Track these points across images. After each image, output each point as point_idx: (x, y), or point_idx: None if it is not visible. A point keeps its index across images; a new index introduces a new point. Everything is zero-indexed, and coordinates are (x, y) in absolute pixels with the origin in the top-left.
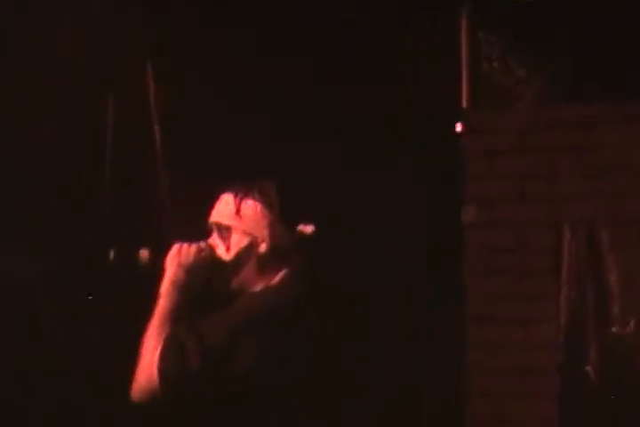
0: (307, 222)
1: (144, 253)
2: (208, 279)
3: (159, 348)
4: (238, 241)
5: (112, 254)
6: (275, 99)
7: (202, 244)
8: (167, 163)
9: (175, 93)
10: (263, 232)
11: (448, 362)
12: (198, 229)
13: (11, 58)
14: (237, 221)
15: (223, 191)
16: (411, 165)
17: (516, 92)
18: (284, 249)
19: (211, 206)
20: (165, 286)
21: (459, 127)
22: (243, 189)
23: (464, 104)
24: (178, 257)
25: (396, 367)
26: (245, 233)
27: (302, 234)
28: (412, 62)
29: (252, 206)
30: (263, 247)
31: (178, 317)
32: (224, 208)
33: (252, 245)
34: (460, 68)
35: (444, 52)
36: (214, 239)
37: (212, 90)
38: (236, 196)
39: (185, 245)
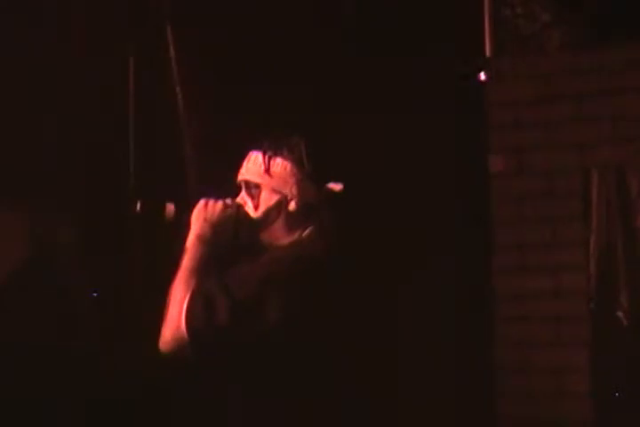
0: (336, 180)
1: (170, 207)
2: (235, 236)
3: (186, 301)
4: (267, 199)
5: (138, 206)
6: (299, 57)
7: (228, 201)
8: (193, 121)
9: (198, 54)
10: (292, 190)
11: (475, 312)
12: (227, 186)
13: (26, 20)
14: (266, 178)
15: (252, 149)
16: (434, 115)
17: (540, 38)
18: (312, 207)
19: (239, 164)
20: (191, 241)
21: (482, 75)
22: (272, 146)
23: (487, 52)
24: (204, 212)
25: (421, 318)
26: (274, 191)
27: (331, 192)
28: (433, 10)
29: (281, 164)
30: (292, 205)
31: (204, 271)
32: (253, 166)
33: (281, 203)
34: (482, 15)
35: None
36: (242, 197)
37: (236, 47)
38: (264, 153)
39: (211, 202)
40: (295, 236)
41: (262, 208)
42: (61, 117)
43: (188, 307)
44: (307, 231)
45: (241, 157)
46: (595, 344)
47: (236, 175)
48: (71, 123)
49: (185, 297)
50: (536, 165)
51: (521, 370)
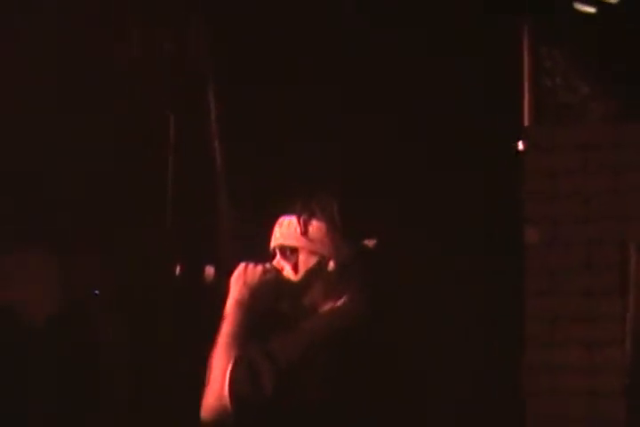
0: (368, 237)
1: (209, 271)
2: (274, 301)
3: (229, 369)
4: (305, 261)
5: (178, 270)
6: (332, 111)
7: (267, 265)
8: (230, 179)
9: (235, 110)
10: (330, 250)
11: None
12: (261, 252)
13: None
14: (304, 241)
15: (282, 214)
16: (471, 183)
17: (579, 109)
18: (348, 266)
19: (270, 231)
20: (230, 305)
21: (520, 145)
22: (305, 208)
23: (526, 121)
24: (243, 277)
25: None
26: (312, 253)
27: (365, 249)
28: (475, 79)
29: (316, 226)
30: (331, 265)
31: (245, 337)
32: (287, 230)
33: (320, 265)
34: (522, 84)
35: (506, 68)
36: (279, 262)
37: (270, 105)
38: (299, 216)
39: (250, 265)
40: (334, 299)
41: (302, 271)
42: (102, 176)
43: (231, 375)
44: (345, 296)
45: (273, 221)
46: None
47: (269, 240)
48: (112, 180)
49: (227, 364)
50: (572, 236)
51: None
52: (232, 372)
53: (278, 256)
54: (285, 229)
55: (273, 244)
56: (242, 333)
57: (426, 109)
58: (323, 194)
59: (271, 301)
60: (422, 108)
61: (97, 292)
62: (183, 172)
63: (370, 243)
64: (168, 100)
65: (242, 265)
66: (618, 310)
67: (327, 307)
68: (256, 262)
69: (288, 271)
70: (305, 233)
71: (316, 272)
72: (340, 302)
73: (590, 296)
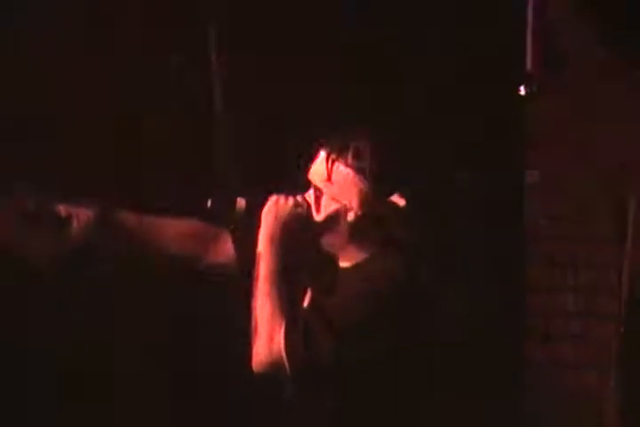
0: (400, 193)
1: (241, 203)
2: (301, 237)
3: (283, 330)
4: (326, 205)
5: (209, 203)
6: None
7: (299, 198)
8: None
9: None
10: (352, 200)
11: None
12: (297, 182)
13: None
14: (327, 186)
15: (321, 146)
16: (474, 128)
17: (583, 54)
18: (376, 220)
19: (311, 160)
20: (264, 244)
21: (522, 90)
22: (336, 149)
23: (529, 66)
24: (275, 210)
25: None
26: (333, 199)
27: (394, 205)
28: (475, 19)
29: (343, 173)
30: (351, 216)
31: (287, 283)
32: (318, 168)
33: (340, 213)
34: (524, 28)
35: (508, 9)
36: (310, 195)
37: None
38: (328, 158)
39: (282, 198)
40: (365, 251)
41: (323, 214)
42: (104, 116)
43: (286, 337)
44: (370, 251)
45: (311, 154)
46: None
47: (306, 171)
48: (115, 121)
49: (274, 317)
50: (572, 182)
51: None
52: (287, 334)
53: (311, 189)
54: (317, 166)
55: (309, 177)
56: (282, 277)
57: (430, 57)
58: (360, 139)
59: (299, 237)
60: (427, 56)
61: None
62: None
63: (400, 201)
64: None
65: (273, 198)
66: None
67: (347, 257)
68: (287, 195)
69: (314, 209)
70: (328, 177)
71: (334, 220)
72: (363, 257)
73: (589, 243)
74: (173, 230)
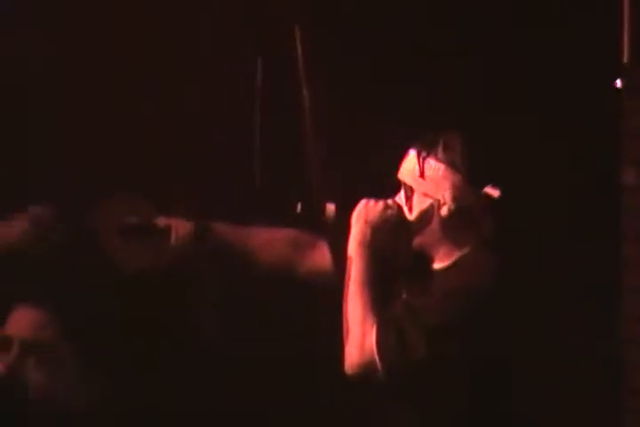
0: (494, 184)
1: (330, 208)
2: (394, 240)
3: (374, 331)
4: (419, 202)
5: (299, 207)
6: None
7: (389, 201)
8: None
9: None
10: (445, 195)
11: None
12: (387, 185)
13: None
14: (419, 182)
15: (409, 146)
16: (568, 124)
17: None
18: (469, 213)
19: (399, 161)
20: (354, 248)
21: (618, 83)
22: (425, 145)
23: (625, 59)
24: (364, 215)
25: None
26: (426, 195)
27: (489, 197)
28: (572, 15)
29: (434, 168)
30: (444, 211)
31: (379, 286)
32: (408, 166)
33: (433, 209)
34: (621, 20)
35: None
36: (401, 197)
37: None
38: (419, 154)
39: (372, 202)
40: (449, 249)
41: (415, 212)
42: (190, 119)
43: (378, 338)
44: (465, 247)
45: (400, 154)
46: None
47: (395, 173)
48: (200, 124)
49: (366, 318)
50: None
51: None
52: (379, 334)
53: (402, 190)
54: (407, 164)
55: (399, 176)
56: (374, 279)
57: (521, 48)
58: (450, 131)
59: (392, 240)
60: (518, 47)
61: None
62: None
63: (494, 192)
64: (256, 46)
65: (362, 202)
66: None
67: (441, 256)
68: (378, 198)
69: (406, 209)
70: (420, 173)
71: (428, 216)
72: (459, 254)
73: None
74: (269, 240)
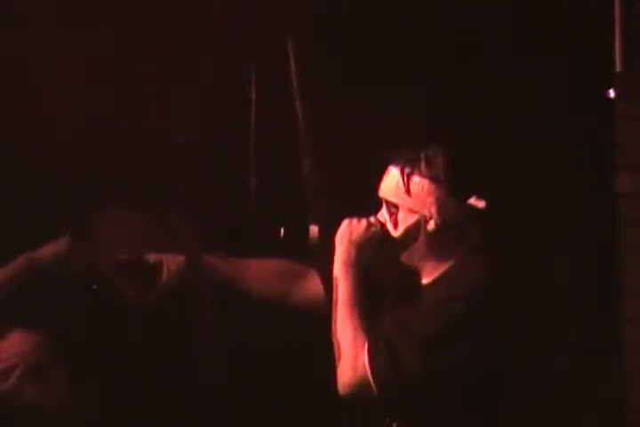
0: (478, 196)
1: (314, 230)
2: (379, 258)
3: (366, 349)
4: (404, 219)
5: (282, 232)
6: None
7: (372, 219)
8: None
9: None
10: (431, 210)
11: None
12: (368, 202)
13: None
14: (403, 198)
15: (390, 163)
16: (562, 133)
17: None
18: (455, 225)
19: (378, 179)
20: (339, 268)
21: (611, 92)
22: (408, 162)
23: (617, 67)
24: (348, 234)
25: None
26: (411, 211)
27: (474, 209)
28: (563, 22)
29: (418, 184)
30: (431, 225)
31: (367, 303)
32: (390, 183)
33: (419, 224)
34: (612, 28)
35: (595, 11)
36: (383, 214)
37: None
38: (402, 171)
39: (355, 221)
40: (436, 262)
41: (401, 228)
42: (184, 134)
43: (370, 355)
44: (452, 260)
45: (379, 171)
46: None
47: (376, 190)
48: (195, 140)
49: (357, 338)
50: None
51: None
52: (370, 352)
53: (384, 207)
54: (388, 182)
55: (380, 194)
56: (362, 298)
57: (514, 59)
58: (430, 146)
59: (377, 257)
60: (510, 58)
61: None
62: (270, 129)
63: (479, 203)
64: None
65: (345, 222)
66: None
67: (429, 270)
68: (360, 217)
69: (389, 226)
70: (406, 190)
71: (413, 232)
72: (446, 267)
73: None
74: (261, 271)
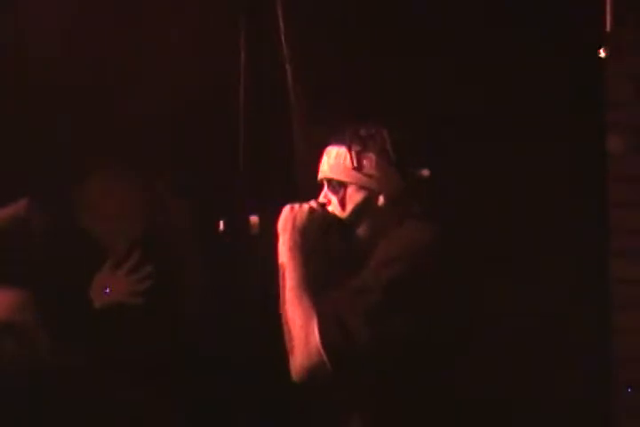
0: (422, 167)
1: (254, 220)
2: (325, 240)
3: (316, 327)
4: (352, 196)
5: (221, 225)
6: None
7: (313, 203)
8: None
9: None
10: (380, 185)
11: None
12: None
13: None
14: (354, 176)
15: (330, 143)
16: (550, 94)
17: None
18: (402, 198)
19: (317, 161)
20: (285, 254)
21: (602, 52)
22: (354, 139)
23: (608, 26)
24: (291, 220)
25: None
26: (361, 187)
27: (419, 178)
28: None
29: (367, 159)
30: (381, 200)
31: (314, 286)
32: (335, 162)
33: (370, 199)
34: None
35: None
36: (326, 195)
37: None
38: (350, 149)
39: (296, 206)
40: (392, 230)
41: (350, 206)
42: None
43: (320, 330)
44: (405, 224)
45: (315, 155)
46: None
47: (315, 173)
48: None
49: (308, 321)
50: None
51: None
52: (321, 329)
53: (325, 189)
54: (334, 161)
55: (320, 176)
56: (309, 281)
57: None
58: (373, 123)
59: (322, 240)
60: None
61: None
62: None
63: (424, 172)
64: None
65: (286, 208)
66: None
67: (379, 243)
68: (301, 202)
69: (335, 206)
70: (356, 167)
71: (364, 208)
72: (399, 230)
73: None
74: None
